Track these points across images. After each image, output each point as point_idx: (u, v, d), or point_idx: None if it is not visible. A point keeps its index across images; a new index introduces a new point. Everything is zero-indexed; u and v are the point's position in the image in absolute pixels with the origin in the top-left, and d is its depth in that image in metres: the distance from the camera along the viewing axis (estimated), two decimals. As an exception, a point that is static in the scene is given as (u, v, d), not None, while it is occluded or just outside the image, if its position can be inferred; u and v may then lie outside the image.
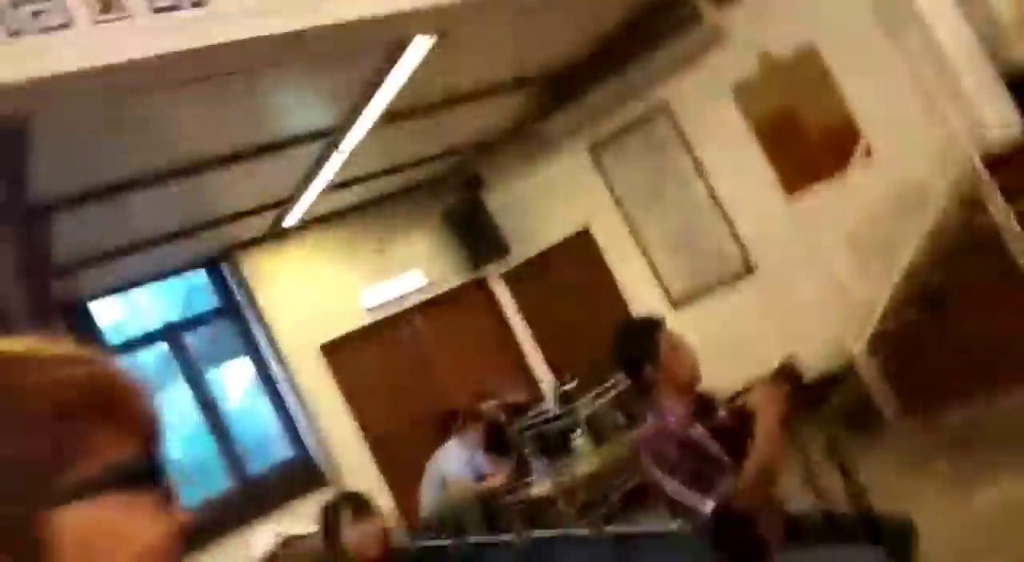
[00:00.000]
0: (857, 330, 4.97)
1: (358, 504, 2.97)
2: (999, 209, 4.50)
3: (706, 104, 5.98)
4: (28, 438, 0.55)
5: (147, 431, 0.61)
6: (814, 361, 4.63)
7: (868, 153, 5.28)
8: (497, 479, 5.34)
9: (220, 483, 6.29)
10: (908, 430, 4.63)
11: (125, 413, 0.60)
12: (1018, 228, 4.46)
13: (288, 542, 3.51)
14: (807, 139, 5.65)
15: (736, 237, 6.01)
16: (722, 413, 2.25)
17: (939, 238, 5.04)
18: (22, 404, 0.56)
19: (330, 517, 2.92)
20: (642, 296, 6.49)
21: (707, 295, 6.22)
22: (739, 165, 5.90)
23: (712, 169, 6.09)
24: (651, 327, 2.31)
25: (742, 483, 2.01)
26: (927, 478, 3.63)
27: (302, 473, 6.44)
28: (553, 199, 6.69)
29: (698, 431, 2.16)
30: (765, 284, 5.90)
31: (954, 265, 4.85)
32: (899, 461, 4.24)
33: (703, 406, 2.31)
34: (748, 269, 5.98)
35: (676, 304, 6.40)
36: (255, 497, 6.12)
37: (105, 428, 0.58)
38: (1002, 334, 4.34)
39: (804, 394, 2.25)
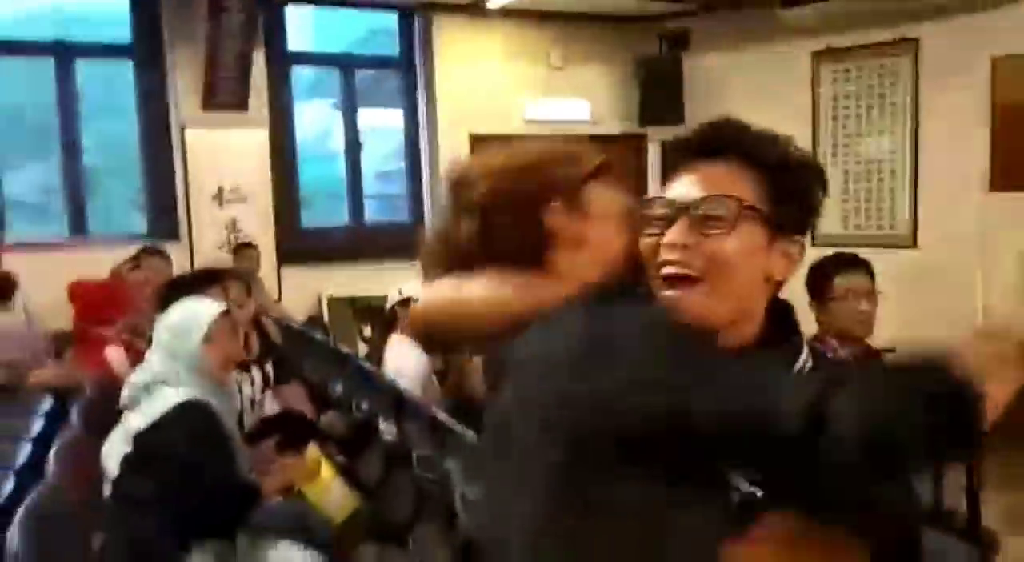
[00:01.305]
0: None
1: None
2: None
3: (959, 64, 5.54)
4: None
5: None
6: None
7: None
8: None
9: (339, 216, 6.66)
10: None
11: None
12: None
13: (406, 302, 3.72)
14: (1043, 143, 5.25)
15: (915, 206, 5.77)
16: None
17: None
18: None
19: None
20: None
21: (855, 247, 6.06)
22: (957, 140, 5.56)
23: (927, 134, 5.75)
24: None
25: None
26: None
27: (409, 241, 6.71)
28: (752, 90, 6.41)
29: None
30: (921, 265, 5.67)
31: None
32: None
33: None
34: (912, 242, 5.77)
35: (815, 243, 6.27)
36: (366, 242, 6.47)
37: None
38: None
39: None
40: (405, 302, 3.69)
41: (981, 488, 2.33)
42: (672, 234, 0.94)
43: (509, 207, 1.04)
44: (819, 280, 2.40)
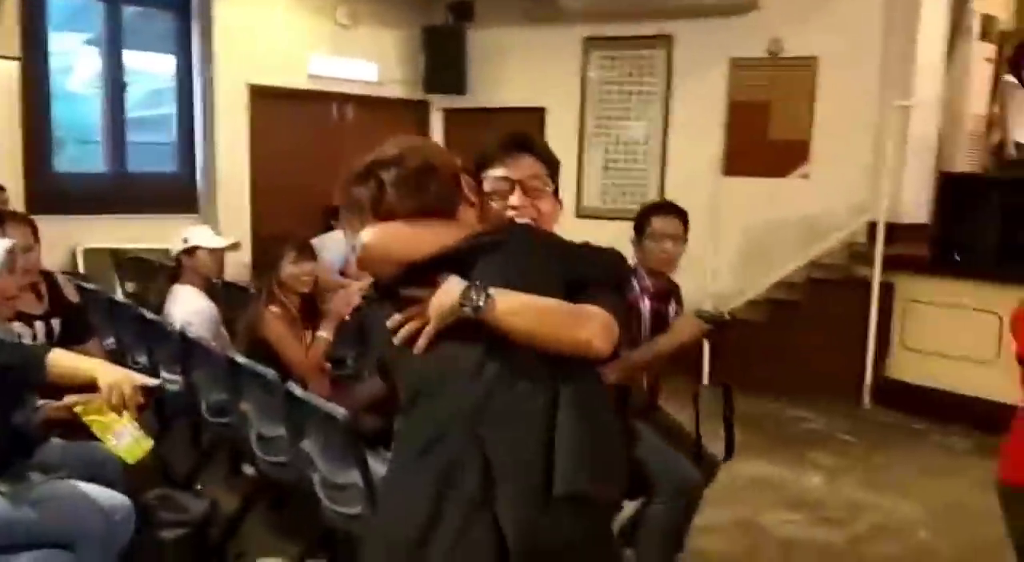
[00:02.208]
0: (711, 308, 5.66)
1: (302, 247, 3.24)
2: (876, 272, 5.28)
3: (703, 61, 6.33)
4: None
5: None
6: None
7: (806, 176, 5.91)
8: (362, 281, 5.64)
9: (96, 163, 6.18)
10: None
11: None
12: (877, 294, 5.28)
13: (193, 250, 3.66)
14: (765, 137, 6.17)
15: (662, 185, 6.52)
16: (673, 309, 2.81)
17: (816, 268, 5.83)
18: None
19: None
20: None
21: (610, 220, 6.72)
22: (699, 129, 6.36)
23: (676, 121, 6.51)
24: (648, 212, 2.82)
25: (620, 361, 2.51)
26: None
27: (176, 192, 6.44)
28: (530, 65, 6.83)
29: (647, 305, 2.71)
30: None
31: (814, 294, 5.66)
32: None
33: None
34: (659, 217, 6.53)
35: (579, 215, 6.87)
36: (126, 192, 6.08)
37: None
38: (813, 363, 5.23)
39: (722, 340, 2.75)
40: (191, 251, 3.63)
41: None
42: (514, 199, 1.60)
43: (437, 175, 1.50)
44: (641, 221, 2.79)
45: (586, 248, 1.53)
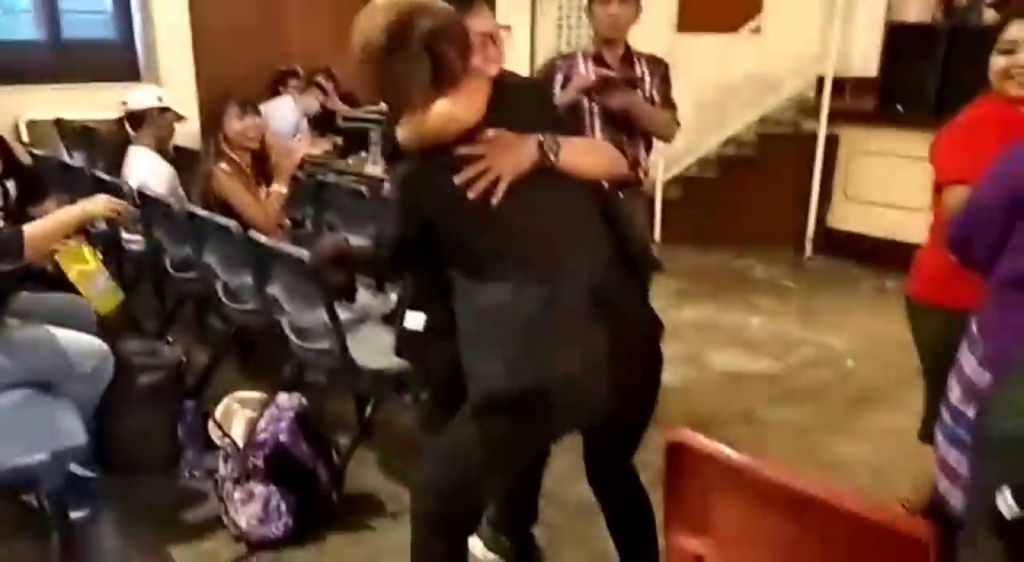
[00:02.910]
0: (663, 167, 5.78)
1: (244, 102, 3.22)
2: (822, 125, 5.40)
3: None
4: None
5: None
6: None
7: (758, 30, 5.89)
8: (313, 148, 5.60)
9: (27, 32, 5.90)
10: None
11: None
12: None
13: (167, 110, 3.64)
14: (717, -8, 6.09)
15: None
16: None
17: (766, 124, 5.94)
18: None
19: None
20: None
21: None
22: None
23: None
24: None
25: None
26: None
27: (117, 60, 6.21)
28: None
29: None
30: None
31: (764, 150, 5.80)
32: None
33: None
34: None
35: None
36: (65, 61, 5.86)
37: None
38: (761, 216, 5.44)
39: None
40: (140, 114, 3.60)
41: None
42: (493, 52, 1.64)
43: (462, 32, 1.49)
44: None
45: (537, 87, 1.71)
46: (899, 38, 5.32)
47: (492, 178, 1.45)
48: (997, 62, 1.94)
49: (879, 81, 5.44)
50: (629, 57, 2.83)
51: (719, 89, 6.08)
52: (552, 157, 1.50)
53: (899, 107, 5.15)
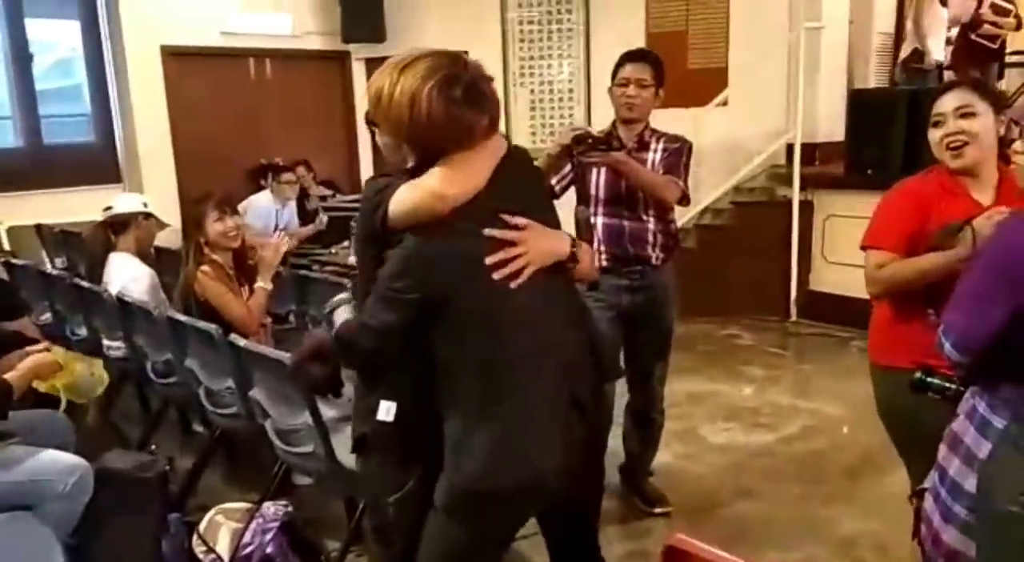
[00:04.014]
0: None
1: (221, 203, 3.23)
2: (795, 191, 5.51)
3: (621, -1, 6.41)
4: None
5: None
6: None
7: (725, 103, 6.06)
8: (295, 237, 5.60)
9: (7, 139, 5.98)
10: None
11: None
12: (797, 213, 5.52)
13: (150, 216, 3.67)
14: (684, 67, 6.28)
15: (589, 120, 6.60)
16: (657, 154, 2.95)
17: (740, 193, 6.04)
18: None
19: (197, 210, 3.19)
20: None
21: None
22: (621, 62, 6.44)
23: (597, 59, 6.57)
24: None
25: None
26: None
27: (98, 163, 6.28)
28: (449, 9, 6.78)
29: None
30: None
31: (740, 218, 5.88)
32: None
33: None
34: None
35: (510, 156, 6.94)
36: (45, 166, 5.92)
37: None
38: (741, 283, 5.47)
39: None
40: (123, 220, 3.62)
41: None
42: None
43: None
44: (615, 68, 2.86)
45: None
46: (861, 103, 5.47)
47: (522, 265, 1.52)
48: (933, 135, 2.04)
49: (846, 145, 5.57)
50: (643, 136, 2.86)
51: (693, 161, 6.20)
52: (575, 262, 1.62)
53: (868, 171, 5.26)
